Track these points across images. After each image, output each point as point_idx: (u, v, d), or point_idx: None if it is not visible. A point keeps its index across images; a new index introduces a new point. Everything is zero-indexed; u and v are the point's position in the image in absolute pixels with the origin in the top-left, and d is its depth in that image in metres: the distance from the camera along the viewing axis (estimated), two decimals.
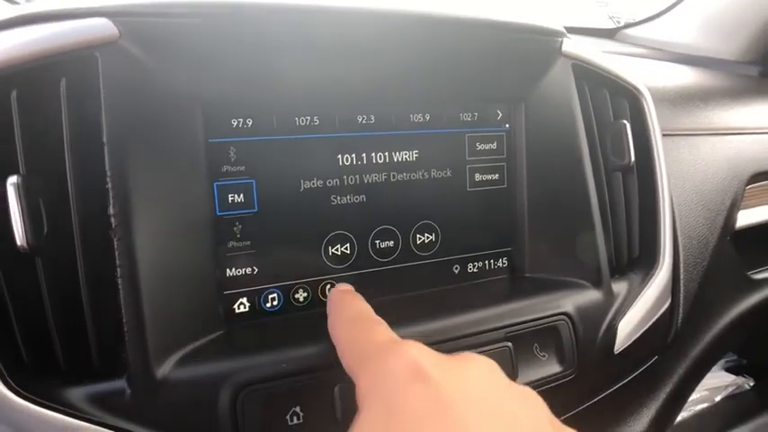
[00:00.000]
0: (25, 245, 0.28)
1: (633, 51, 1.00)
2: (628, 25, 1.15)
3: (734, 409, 0.83)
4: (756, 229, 0.64)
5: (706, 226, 0.54)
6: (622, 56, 0.94)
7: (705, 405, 0.83)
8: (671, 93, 0.62)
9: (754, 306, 0.61)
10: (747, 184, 0.62)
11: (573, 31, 1.33)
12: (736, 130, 0.64)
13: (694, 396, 0.84)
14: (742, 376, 0.88)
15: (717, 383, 0.86)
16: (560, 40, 0.42)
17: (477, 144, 0.42)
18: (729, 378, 0.87)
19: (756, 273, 0.63)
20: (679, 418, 0.82)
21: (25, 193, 0.28)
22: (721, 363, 0.91)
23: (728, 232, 0.57)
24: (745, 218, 0.62)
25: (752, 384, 0.87)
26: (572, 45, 0.43)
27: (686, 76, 0.79)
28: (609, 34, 1.15)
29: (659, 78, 0.71)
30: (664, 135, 0.54)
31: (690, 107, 0.61)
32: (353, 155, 0.38)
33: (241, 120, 0.35)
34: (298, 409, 0.31)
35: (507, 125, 0.43)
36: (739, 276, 0.61)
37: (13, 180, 0.28)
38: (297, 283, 0.37)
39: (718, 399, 0.84)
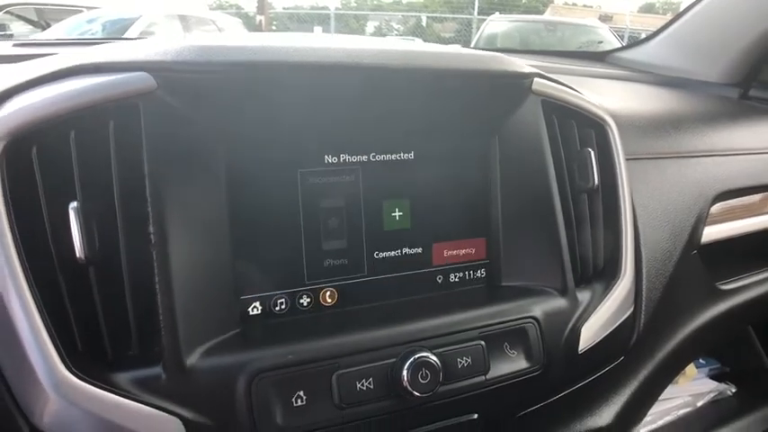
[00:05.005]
0: (82, 257, 0.35)
1: (621, 74, 1.06)
2: (618, 49, 1.22)
3: (715, 413, 0.88)
4: (725, 243, 0.70)
5: (670, 241, 0.60)
6: (608, 80, 1.01)
7: (688, 410, 0.88)
8: (643, 119, 0.68)
9: (722, 314, 0.67)
10: (714, 203, 0.68)
11: (566, 54, 1.39)
12: (704, 152, 0.70)
13: (677, 401, 0.89)
14: (725, 383, 0.92)
15: (700, 390, 0.91)
16: (530, 80, 0.49)
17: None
18: (712, 385, 0.92)
19: (725, 284, 0.69)
20: (662, 422, 0.87)
21: (83, 215, 0.35)
22: (705, 370, 0.95)
23: (694, 246, 0.63)
24: (713, 233, 0.67)
25: (733, 391, 0.91)
26: (541, 83, 0.50)
27: (663, 101, 0.85)
28: (599, 57, 1.22)
29: (637, 104, 0.78)
30: (633, 158, 0.61)
31: (660, 132, 0.67)
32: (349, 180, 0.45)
33: (257, 155, 0.41)
34: (302, 393, 0.38)
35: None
36: (707, 286, 0.66)
37: (73, 205, 0.35)
38: (300, 290, 0.43)
39: (700, 404, 0.89)
